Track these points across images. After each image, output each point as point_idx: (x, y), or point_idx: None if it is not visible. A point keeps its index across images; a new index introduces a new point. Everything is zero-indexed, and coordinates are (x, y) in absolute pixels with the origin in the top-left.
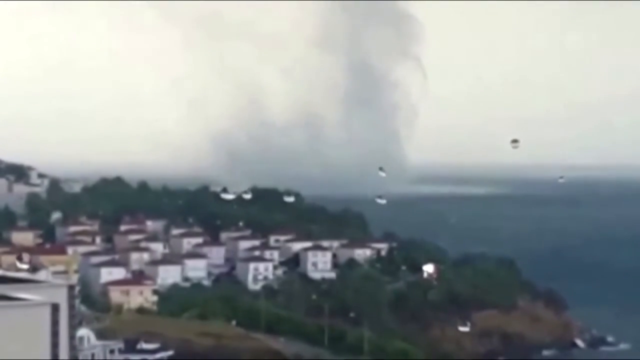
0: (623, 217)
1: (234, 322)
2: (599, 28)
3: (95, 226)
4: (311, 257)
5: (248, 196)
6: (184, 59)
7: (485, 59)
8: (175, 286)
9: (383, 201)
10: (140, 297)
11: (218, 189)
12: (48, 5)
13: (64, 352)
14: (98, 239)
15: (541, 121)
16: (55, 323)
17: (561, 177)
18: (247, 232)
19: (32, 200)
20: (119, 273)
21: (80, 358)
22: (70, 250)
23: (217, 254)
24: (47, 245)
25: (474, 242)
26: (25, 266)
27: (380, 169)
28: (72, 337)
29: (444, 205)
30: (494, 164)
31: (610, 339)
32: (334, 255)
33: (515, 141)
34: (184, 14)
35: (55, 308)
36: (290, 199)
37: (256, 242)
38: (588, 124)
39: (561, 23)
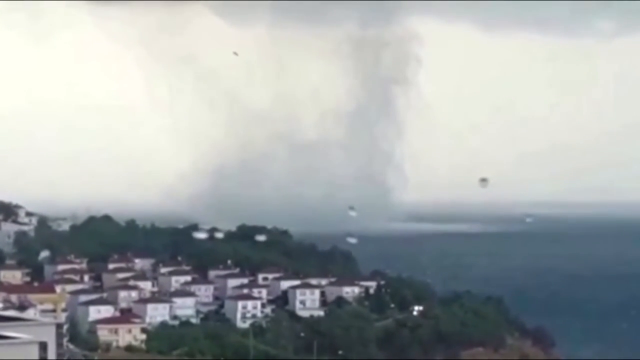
0: (600, 254)
1: None
2: (606, 68)
3: (83, 264)
4: (299, 295)
5: (220, 235)
6: (172, 96)
7: (469, 95)
8: (163, 324)
9: (354, 240)
10: (129, 335)
11: (207, 227)
12: (31, 42)
13: None
14: (86, 277)
15: (519, 159)
16: None
17: (529, 217)
18: (236, 270)
19: (20, 239)
20: (107, 311)
21: None
22: (58, 288)
23: (205, 292)
24: (36, 284)
25: (454, 279)
26: None
27: (351, 208)
28: None
29: (425, 242)
30: (472, 202)
31: None
32: (323, 293)
33: (484, 180)
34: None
35: (43, 346)
36: (261, 238)
37: (244, 280)
38: (566, 163)
39: (546, 62)
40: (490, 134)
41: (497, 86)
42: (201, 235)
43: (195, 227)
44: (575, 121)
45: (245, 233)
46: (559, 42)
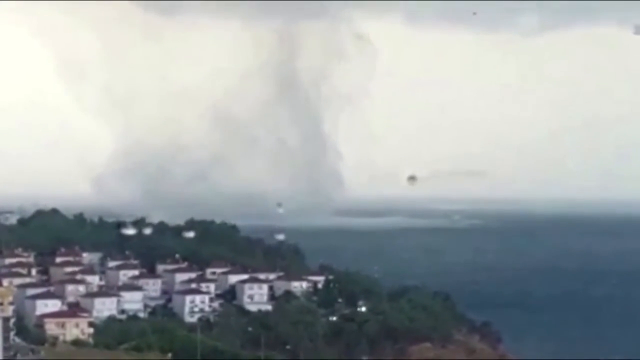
0: (536, 249)
1: (170, 355)
2: (532, 64)
3: (30, 258)
4: (247, 289)
5: (191, 234)
6: (118, 90)
7: (418, 95)
8: (111, 318)
9: (282, 236)
10: (76, 329)
11: (155, 221)
12: None
13: None
14: (34, 271)
15: (467, 155)
16: None
17: (456, 215)
18: (184, 265)
19: None
20: (54, 305)
21: None
22: (5, 282)
23: (153, 286)
24: None
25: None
26: None
27: (279, 204)
28: None
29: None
30: (415, 198)
31: None
32: (271, 288)
33: (412, 178)
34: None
35: None
36: (190, 235)
37: (192, 275)
38: (513, 160)
39: (497, 60)
40: (428, 129)
41: (425, 82)
42: (129, 232)
43: (142, 221)
44: (501, 116)
45: (192, 227)
46: (485, 38)
